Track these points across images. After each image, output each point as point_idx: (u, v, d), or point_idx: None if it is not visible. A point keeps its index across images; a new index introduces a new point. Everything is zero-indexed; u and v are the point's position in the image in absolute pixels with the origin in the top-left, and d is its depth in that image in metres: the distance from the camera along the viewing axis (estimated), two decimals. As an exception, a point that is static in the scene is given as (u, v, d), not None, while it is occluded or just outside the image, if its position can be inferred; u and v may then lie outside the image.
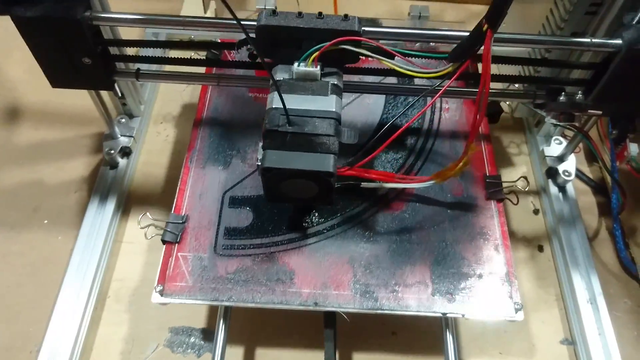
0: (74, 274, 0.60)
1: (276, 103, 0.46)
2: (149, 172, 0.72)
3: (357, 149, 0.54)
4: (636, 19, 0.48)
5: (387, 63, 0.48)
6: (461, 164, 0.51)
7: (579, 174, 0.75)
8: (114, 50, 0.57)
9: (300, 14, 0.48)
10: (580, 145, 0.77)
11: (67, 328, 0.57)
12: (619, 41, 0.47)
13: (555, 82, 0.54)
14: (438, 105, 0.66)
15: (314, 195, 0.48)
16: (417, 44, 0.69)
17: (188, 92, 0.80)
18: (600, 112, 0.51)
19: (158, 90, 0.80)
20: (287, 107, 0.45)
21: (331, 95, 0.48)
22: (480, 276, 0.53)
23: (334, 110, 0.47)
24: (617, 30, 0.49)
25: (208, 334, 0.60)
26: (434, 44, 0.69)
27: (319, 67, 0.48)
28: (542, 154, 0.71)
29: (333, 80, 0.49)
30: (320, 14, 0.48)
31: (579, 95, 0.51)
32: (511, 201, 0.60)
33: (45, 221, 0.68)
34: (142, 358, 0.58)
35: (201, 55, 0.68)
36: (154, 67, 0.73)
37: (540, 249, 0.69)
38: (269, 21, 0.48)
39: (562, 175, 0.68)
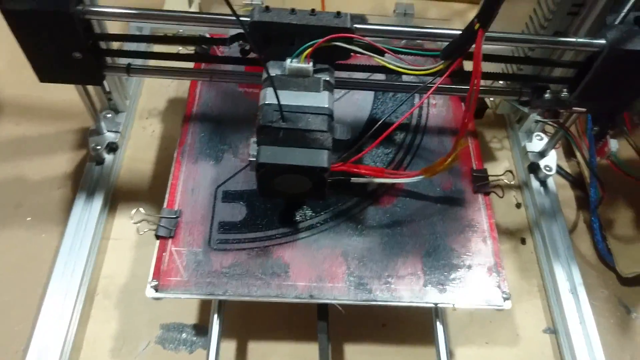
0: (61, 271, 0.59)
1: (269, 99, 0.46)
2: (135, 168, 0.71)
3: (347, 144, 0.54)
4: (618, 19, 0.50)
5: (379, 60, 0.49)
6: (450, 159, 0.53)
7: (558, 169, 0.77)
8: (103, 44, 0.56)
9: (293, 10, 0.48)
10: (560, 141, 0.80)
11: (55, 326, 0.56)
12: (602, 41, 0.49)
13: (541, 80, 0.56)
14: (425, 101, 0.68)
15: (307, 191, 0.49)
16: (403, 41, 0.70)
17: (173, 87, 0.80)
18: (584, 110, 0.53)
19: (143, 85, 0.79)
20: (282, 103, 0.46)
21: (323, 91, 0.48)
22: (469, 267, 0.55)
23: (326, 106, 0.47)
24: (600, 30, 0.51)
25: (200, 330, 0.60)
26: (419, 41, 0.70)
27: (311, 63, 0.48)
28: (524, 150, 0.73)
29: (325, 76, 0.49)
30: (313, 10, 0.48)
31: (564, 93, 0.53)
32: (497, 194, 0.61)
33: (29, 218, 0.67)
34: (133, 355, 0.58)
35: (189, 49, 0.67)
36: (139, 61, 0.72)
37: (523, 241, 0.71)
38: (262, 17, 0.48)
39: (544, 170, 0.70)
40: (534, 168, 0.72)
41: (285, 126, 0.46)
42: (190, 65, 0.63)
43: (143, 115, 0.76)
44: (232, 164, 0.60)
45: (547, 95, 0.54)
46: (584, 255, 0.71)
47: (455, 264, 0.55)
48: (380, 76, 0.62)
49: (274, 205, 0.57)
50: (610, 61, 0.49)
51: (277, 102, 0.46)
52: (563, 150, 0.80)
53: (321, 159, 0.45)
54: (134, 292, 0.62)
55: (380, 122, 0.52)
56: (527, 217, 0.73)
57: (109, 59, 0.56)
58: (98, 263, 0.63)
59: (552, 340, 0.64)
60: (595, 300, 0.67)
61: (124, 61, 0.56)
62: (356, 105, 0.66)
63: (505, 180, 0.59)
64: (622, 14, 0.50)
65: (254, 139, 0.47)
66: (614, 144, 0.56)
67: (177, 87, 0.79)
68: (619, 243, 0.70)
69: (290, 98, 0.47)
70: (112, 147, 0.68)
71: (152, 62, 0.71)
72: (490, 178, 0.61)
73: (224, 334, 0.57)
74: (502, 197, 0.61)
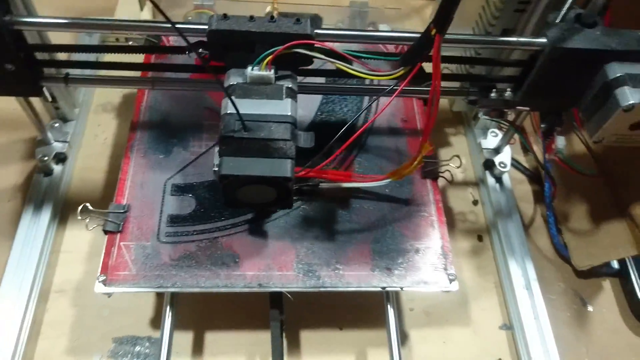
0: (8, 286, 0.58)
1: (231, 108, 0.46)
2: (87, 178, 0.70)
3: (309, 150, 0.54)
4: (559, 17, 0.50)
5: (340, 66, 0.49)
6: (416, 162, 0.53)
7: (515, 164, 0.78)
8: (42, 54, 0.55)
9: (252, 17, 0.48)
10: (516, 136, 0.81)
11: (3, 343, 0.55)
12: (543, 40, 0.49)
13: (487, 80, 0.56)
14: (368, 102, 0.67)
15: (273, 200, 0.49)
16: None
17: (127, 93, 0.78)
18: (528, 108, 0.53)
19: (94, 92, 0.77)
20: (242, 111, 0.45)
21: (286, 99, 0.48)
22: (417, 251, 0.56)
23: (289, 114, 0.47)
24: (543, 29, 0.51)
25: (154, 343, 0.59)
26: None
27: (272, 70, 0.48)
28: (479, 147, 0.73)
29: (287, 83, 0.49)
30: (272, 17, 0.48)
31: (508, 92, 0.53)
32: (446, 179, 0.62)
33: (-22, 233, 0.65)
34: (85, 371, 0.57)
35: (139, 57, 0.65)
36: (88, 70, 0.70)
37: (480, 238, 0.71)
38: (220, 25, 0.47)
39: (499, 167, 0.71)
40: (489, 165, 0.72)
41: (247, 136, 0.46)
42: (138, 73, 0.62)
43: (95, 123, 0.75)
44: (182, 157, 0.59)
45: (492, 95, 0.54)
46: (541, 250, 0.72)
47: (403, 248, 0.56)
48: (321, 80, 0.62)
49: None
50: (552, 60, 0.50)
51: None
52: (520, 145, 0.81)
53: (284, 168, 0.45)
54: (85, 306, 0.60)
55: (345, 127, 0.52)
56: (484, 214, 0.73)
57: (49, 69, 0.55)
58: (48, 277, 0.61)
59: (509, 337, 0.64)
60: (552, 294, 0.68)
61: (74, 71, 0.54)
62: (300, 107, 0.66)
63: (452, 165, 0.59)
64: (563, 12, 0.50)
65: (217, 148, 0.46)
66: (560, 141, 0.57)
67: (130, 93, 0.78)
68: (575, 236, 0.70)
69: (252, 107, 0.47)
70: (61, 158, 0.66)
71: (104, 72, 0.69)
72: (439, 163, 0.62)
73: (180, 327, 0.58)
74: (451, 182, 0.62)
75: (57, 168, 0.66)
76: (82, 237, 0.64)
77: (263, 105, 0.47)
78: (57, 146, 0.66)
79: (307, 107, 0.66)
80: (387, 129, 0.65)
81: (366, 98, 0.66)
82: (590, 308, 0.68)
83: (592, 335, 0.66)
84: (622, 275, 0.70)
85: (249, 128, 0.46)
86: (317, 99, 0.67)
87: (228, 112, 0.46)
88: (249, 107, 0.46)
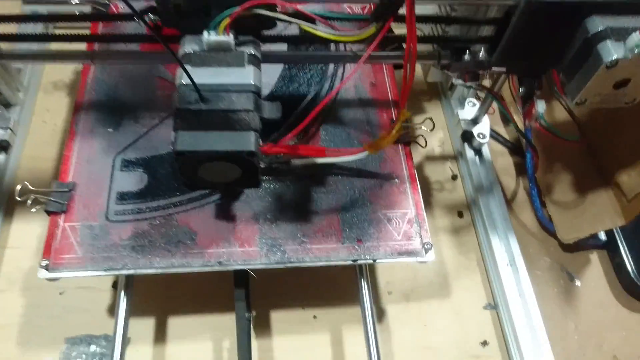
0: (-52, 289, 0.53)
1: (186, 79, 0.41)
2: (35, 167, 0.64)
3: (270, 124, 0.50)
4: (535, -32, 0.46)
5: (307, 27, 0.44)
6: (394, 131, 0.49)
7: (495, 136, 0.74)
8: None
9: None
10: (496, 106, 0.77)
11: (-58, 352, 0.50)
12: (518, -6, 0.45)
13: (460, 41, 0.52)
14: (334, 68, 0.63)
15: (238, 179, 0.44)
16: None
17: (78, 75, 0.72)
18: (504, 69, 0.49)
19: (42, 75, 0.71)
20: (199, 81, 0.41)
21: (248, 66, 0.43)
22: (389, 220, 0.52)
23: (251, 82, 0.43)
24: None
25: (111, 341, 0.54)
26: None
27: (231, 35, 0.43)
28: (456, 118, 0.69)
29: (250, 49, 0.44)
30: None
31: (482, 53, 0.49)
32: (419, 144, 0.58)
33: None
34: (36, 376, 0.52)
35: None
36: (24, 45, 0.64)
37: (460, 215, 0.67)
38: None
39: (477, 138, 0.67)
40: (467, 136, 0.68)
41: (205, 108, 0.41)
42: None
43: (42, 108, 0.69)
44: (133, 130, 0.55)
45: (466, 57, 0.50)
46: (525, 224, 0.68)
47: (374, 218, 0.52)
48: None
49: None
50: (527, 15, 0.45)
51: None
52: (500, 116, 0.77)
53: (247, 141, 0.41)
54: (34, 305, 0.55)
55: (307, 99, 0.47)
56: (464, 188, 0.69)
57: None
58: (-8, 276, 0.56)
59: (493, 316, 0.61)
60: (537, 270, 0.65)
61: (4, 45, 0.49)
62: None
63: (424, 128, 0.56)
64: (538, -37, 0.46)
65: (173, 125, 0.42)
66: (541, 106, 0.53)
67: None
68: (559, 209, 0.67)
69: (210, 76, 0.42)
70: (3, 146, 0.61)
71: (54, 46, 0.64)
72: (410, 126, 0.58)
73: (139, 313, 0.55)
74: (424, 147, 0.58)
75: (-1, 157, 0.61)
76: (30, 232, 0.59)
77: (222, 74, 0.43)
78: (-2, 133, 0.61)
79: (268, 74, 0.60)
80: (354, 94, 0.61)
81: (331, 65, 0.62)
82: (577, 282, 0.65)
83: (580, 310, 0.63)
84: (609, 247, 0.67)
85: (207, 99, 0.42)
86: (278, 66, 0.62)
87: (183, 82, 0.42)
88: (206, 76, 0.42)
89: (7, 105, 0.63)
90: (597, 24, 0.45)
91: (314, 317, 0.58)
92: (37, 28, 0.68)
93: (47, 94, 0.70)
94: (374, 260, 0.50)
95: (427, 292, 0.61)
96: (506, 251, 0.62)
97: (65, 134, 0.67)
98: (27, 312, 0.55)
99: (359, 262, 0.50)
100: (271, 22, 0.45)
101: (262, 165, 0.51)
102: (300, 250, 0.49)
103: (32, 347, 0.53)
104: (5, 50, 0.49)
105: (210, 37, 0.43)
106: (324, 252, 0.50)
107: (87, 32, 0.55)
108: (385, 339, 0.58)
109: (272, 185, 0.53)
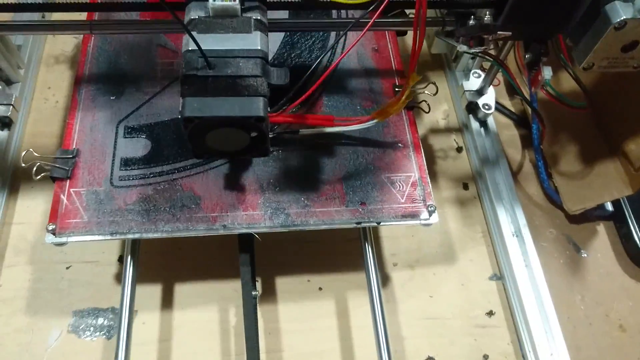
0: (-45, 264, 0.53)
1: (192, 45, 0.41)
2: (39, 144, 0.64)
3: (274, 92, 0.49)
4: None
5: None
6: (404, 97, 0.48)
7: (500, 108, 0.73)
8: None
9: None
10: (501, 78, 0.76)
11: (-49, 325, 0.50)
12: (524, -46, 0.44)
13: (465, 6, 0.51)
14: (336, 34, 0.62)
15: (247, 146, 0.44)
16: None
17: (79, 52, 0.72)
18: (509, 34, 0.48)
19: (43, 51, 0.71)
20: (205, 47, 0.41)
21: (255, 31, 0.43)
22: (392, 183, 0.52)
23: (259, 48, 0.42)
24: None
25: (118, 314, 0.55)
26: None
27: (237, 0, 0.43)
28: (461, 89, 0.68)
29: (256, 15, 0.44)
30: None
31: (487, 17, 0.48)
32: (422, 109, 0.57)
33: None
34: (44, 349, 0.53)
35: None
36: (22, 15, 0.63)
37: (466, 187, 0.67)
38: None
39: (482, 109, 0.66)
40: (472, 108, 0.67)
41: (212, 74, 0.41)
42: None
43: (45, 84, 0.69)
44: (135, 98, 0.55)
45: (471, 22, 0.49)
46: (531, 196, 0.68)
47: (378, 181, 0.52)
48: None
49: (181, 137, 0.52)
50: (534, -24, 0.44)
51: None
52: (505, 88, 0.76)
53: (256, 107, 0.40)
54: (42, 280, 0.56)
55: (314, 66, 0.47)
56: (469, 160, 0.69)
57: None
58: (-1, 252, 0.57)
59: (499, 287, 0.61)
60: (543, 242, 0.65)
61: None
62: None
63: (427, 92, 0.55)
64: None
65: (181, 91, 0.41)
66: (547, 72, 0.52)
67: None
68: (565, 180, 0.66)
69: (216, 42, 0.42)
70: (5, 122, 0.61)
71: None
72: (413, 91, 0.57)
73: (146, 280, 0.55)
74: (427, 113, 0.57)
75: (2, 134, 0.61)
76: (36, 208, 0.59)
77: (229, 40, 0.43)
78: (1, 110, 0.60)
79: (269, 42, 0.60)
80: (356, 60, 0.60)
81: (333, 32, 0.61)
82: (584, 254, 0.65)
83: (586, 281, 0.63)
84: (616, 218, 0.67)
85: (213, 65, 0.41)
86: (279, 35, 0.61)
87: (189, 49, 0.41)
88: (213, 42, 0.42)
89: (9, 82, 0.63)
90: (605, -17, 0.44)
91: (320, 288, 0.58)
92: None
93: (49, 69, 0.70)
94: (378, 223, 0.50)
95: (432, 263, 0.61)
96: (512, 222, 0.61)
97: (68, 111, 0.67)
98: (35, 286, 0.55)
99: (363, 224, 0.50)
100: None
101: (271, 135, 0.50)
102: (304, 214, 0.49)
103: (41, 319, 0.54)
104: (4, 22, 0.49)
105: (216, 2, 0.43)
106: (327, 215, 0.49)
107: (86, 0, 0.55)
108: (391, 310, 0.58)
109: (275, 151, 0.53)
